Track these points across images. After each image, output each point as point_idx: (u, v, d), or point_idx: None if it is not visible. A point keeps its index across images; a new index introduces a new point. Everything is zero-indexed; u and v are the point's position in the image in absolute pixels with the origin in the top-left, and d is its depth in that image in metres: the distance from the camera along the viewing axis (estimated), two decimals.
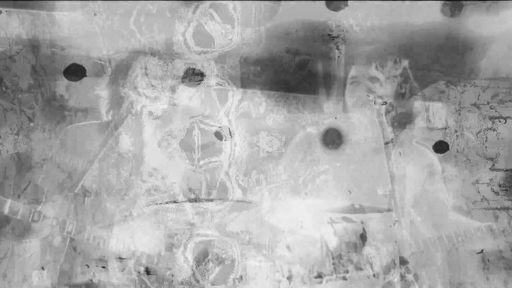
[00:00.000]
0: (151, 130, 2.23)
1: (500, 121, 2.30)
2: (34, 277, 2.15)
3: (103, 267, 2.18)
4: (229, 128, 2.24)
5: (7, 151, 2.16)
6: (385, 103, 2.28)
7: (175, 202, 2.22)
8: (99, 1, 2.22)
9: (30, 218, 2.12)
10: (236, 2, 2.23)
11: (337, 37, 2.27)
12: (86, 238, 2.17)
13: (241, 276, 2.21)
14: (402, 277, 2.23)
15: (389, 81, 2.28)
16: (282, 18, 2.26)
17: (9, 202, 2.12)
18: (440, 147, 2.29)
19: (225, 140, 2.23)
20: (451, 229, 2.26)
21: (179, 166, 2.24)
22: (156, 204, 2.22)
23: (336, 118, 2.27)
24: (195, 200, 2.23)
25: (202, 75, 2.26)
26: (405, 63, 2.29)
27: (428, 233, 2.25)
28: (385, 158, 2.27)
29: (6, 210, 2.12)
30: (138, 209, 2.20)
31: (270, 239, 2.23)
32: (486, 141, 2.30)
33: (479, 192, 2.29)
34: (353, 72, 2.28)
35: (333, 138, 2.27)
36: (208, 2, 2.24)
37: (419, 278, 2.24)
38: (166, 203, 2.21)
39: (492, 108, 2.31)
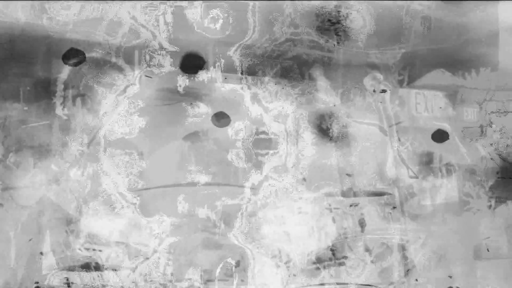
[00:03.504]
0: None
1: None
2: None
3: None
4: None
5: None
6: (384, 91, 2.27)
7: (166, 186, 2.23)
8: None
9: None
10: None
11: (337, 23, 2.27)
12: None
13: (238, 262, 2.21)
14: (400, 263, 2.24)
15: (388, 67, 2.28)
16: (280, 4, 2.27)
17: None
18: (440, 137, 2.29)
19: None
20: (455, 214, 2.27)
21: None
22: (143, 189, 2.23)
23: (334, 105, 2.27)
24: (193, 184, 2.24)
25: (202, 61, 2.26)
26: (404, 49, 2.28)
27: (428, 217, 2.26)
28: (386, 143, 2.27)
29: None
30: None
31: (268, 225, 2.23)
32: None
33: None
34: (349, 58, 2.28)
35: (328, 125, 2.27)
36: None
37: (418, 264, 2.25)
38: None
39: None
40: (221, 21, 2.26)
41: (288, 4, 2.26)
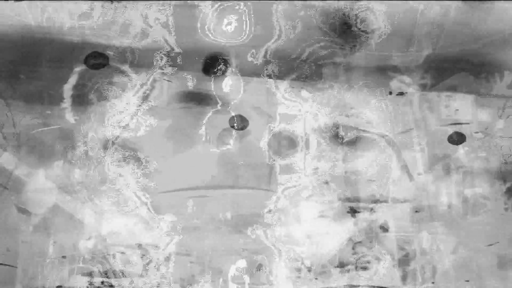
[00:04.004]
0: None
1: None
2: None
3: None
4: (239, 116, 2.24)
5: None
6: (402, 93, 2.27)
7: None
8: None
9: None
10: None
11: (355, 25, 2.26)
12: None
13: (260, 265, 2.21)
14: (422, 268, 2.23)
15: (410, 70, 2.28)
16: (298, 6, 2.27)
17: None
18: (457, 139, 2.29)
19: (236, 127, 2.24)
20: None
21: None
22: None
23: (352, 108, 2.27)
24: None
25: (226, 64, 2.26)
26: (427, 52, 2.28)
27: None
28: (406, 147, 2.27)
29: None
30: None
31: (290, 228, 2.23)
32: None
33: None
34: (370, 61, 2.28)
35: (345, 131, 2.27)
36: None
37: (438, 270, 2.25)
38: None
39: None
40: (244, 24, 2.25)
41: (303, 7, 2.26)
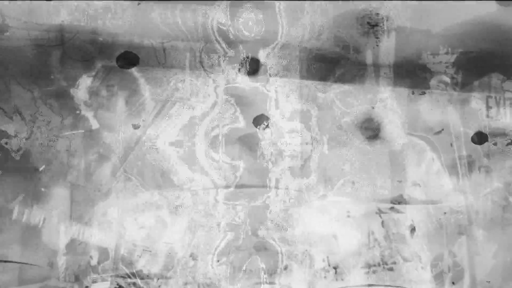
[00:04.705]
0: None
1: None
2: None
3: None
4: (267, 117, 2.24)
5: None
6: (423, 93, 2.26)
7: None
8: None
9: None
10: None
11: (376, 25, 2.25)
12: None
13: (286, 266, 2.21)
14: (451, 269, 2.23)
15: (441, 70, 2.27)
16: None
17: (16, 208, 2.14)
18: (479, 139, 2.28)
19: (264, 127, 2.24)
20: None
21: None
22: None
23: (373, 108, 2.26)
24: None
25: (259, 63, 2.25)
26: (458, 52, 2.27)
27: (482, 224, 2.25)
28: (437, 148, 2.26)
29: (14, 215, 2.13)
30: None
31: (316, 228, 2.22)
32: None
33: None
34: (399, 60, 2.26)
35: (371, 127, 2.26)
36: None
37: (468, 271, 2.24)
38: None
39: None
40: (252, 22, 2.25)
41: (323, 4, 2.25)
